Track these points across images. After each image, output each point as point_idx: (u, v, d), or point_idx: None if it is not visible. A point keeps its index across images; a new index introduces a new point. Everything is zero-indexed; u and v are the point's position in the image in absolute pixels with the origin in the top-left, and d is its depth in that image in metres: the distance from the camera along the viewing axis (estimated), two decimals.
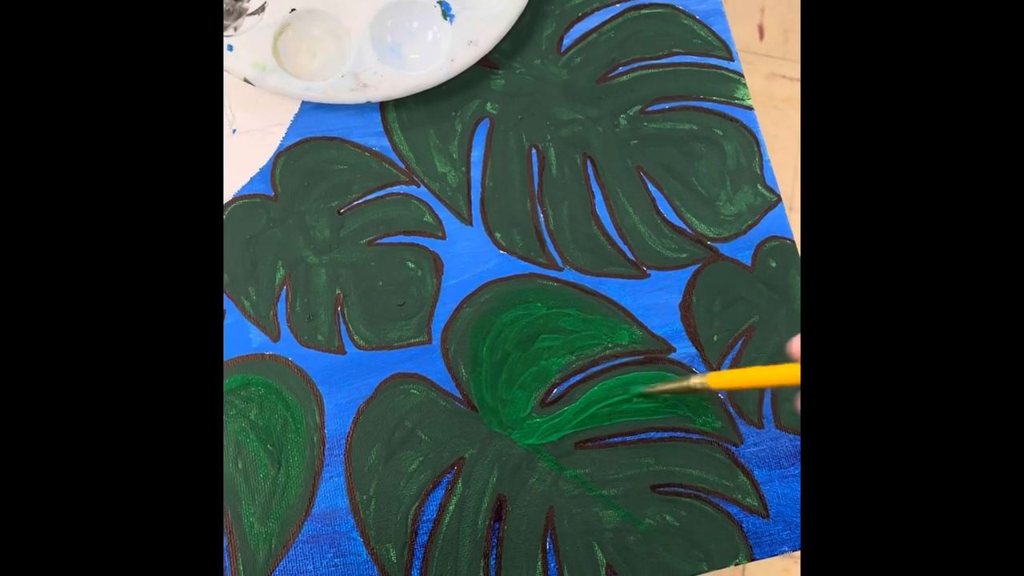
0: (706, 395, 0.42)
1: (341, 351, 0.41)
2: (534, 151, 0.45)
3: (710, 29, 0.48)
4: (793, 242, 0.44)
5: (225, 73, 0.44)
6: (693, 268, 0.44)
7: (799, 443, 0.41)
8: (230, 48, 0.43)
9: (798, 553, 1.04)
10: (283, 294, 0.42)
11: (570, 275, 0.43)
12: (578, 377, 0.42)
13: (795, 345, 0.30)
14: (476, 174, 0.44)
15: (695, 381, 0.37)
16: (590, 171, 0.45)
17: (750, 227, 0.45)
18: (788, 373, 0.31)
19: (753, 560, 0.40)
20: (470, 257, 0.43)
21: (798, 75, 1.27)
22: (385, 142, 0.45)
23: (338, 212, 0.43)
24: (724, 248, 0.44)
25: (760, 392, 0.42)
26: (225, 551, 0.39)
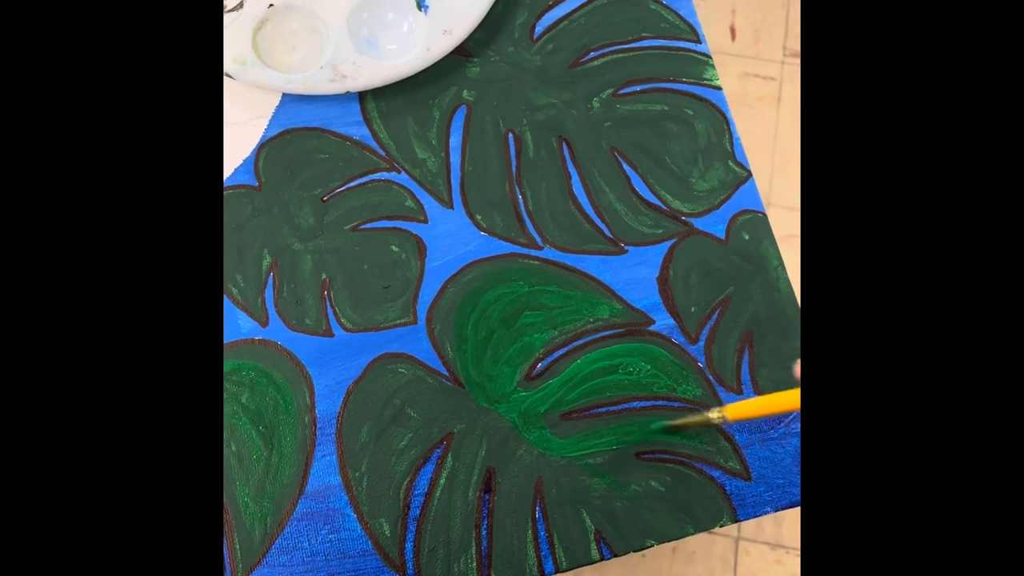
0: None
1: (329, 334, 0.42)
2: (511, 135, 0.46)
3: (677, 13, 0.49)
4: (764, 215, 0.46)
5: None
6: (669, 243, 0.45)
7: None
8: None
9: (791, 544, 1.05)
10: (270, 280, 0.43)
11: (550, 253, 0.45)
12: (561, 351, 0.43)
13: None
14: (455, 159, 0.46)
15: (713, 415, 0.37)
16: (566, 153, 0.46)
17: (722, 202, 0.46)
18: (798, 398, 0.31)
19: (737, 521, 0.41)
20: (452, 239, 0.44)
21: (771, 74, 1.30)
22: (365, 131, 0.46)
23: (321, 200, 0.44)
24: (698, 223, 0.46)
25: (737, 358, 0.43)
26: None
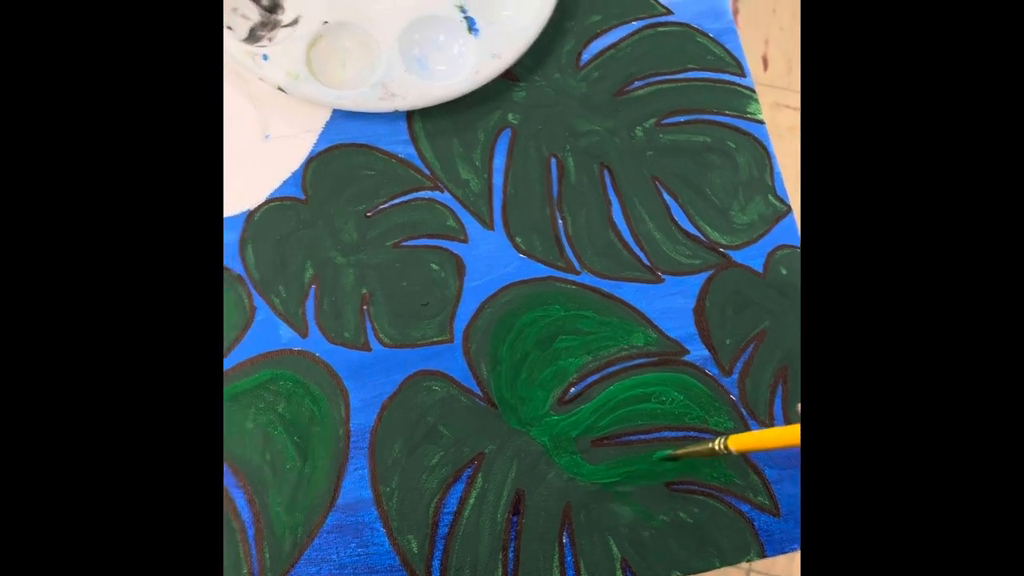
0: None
1: (367, 348, 0.43)
2: (553, 160, 0.47)
3: (723, 47, 0.50)
4: None
5: (260, 81, 0.45)
6: (707, 274, 0.45)
7: None
8: (265, 57, 0.45)
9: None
10: (311, 293, 0.43)
11: (587, 279, 0.45)
12: (595, 377, 0.43)
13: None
14: (498, 181, 0.46)
15: (716, 444, 0.37)
16: (607, 180, 0.47)
17: (761, 236, 0.46)
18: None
19: (764, 557, 0.41)
20: (491, 260, 0.45)
21: None
22: (411, 149, 0.46)
23: (365, 215, 0.45)
24: (736, 255, 0.46)
25: (771, 393, 0.43)
26: (252, 540, 0.40)
